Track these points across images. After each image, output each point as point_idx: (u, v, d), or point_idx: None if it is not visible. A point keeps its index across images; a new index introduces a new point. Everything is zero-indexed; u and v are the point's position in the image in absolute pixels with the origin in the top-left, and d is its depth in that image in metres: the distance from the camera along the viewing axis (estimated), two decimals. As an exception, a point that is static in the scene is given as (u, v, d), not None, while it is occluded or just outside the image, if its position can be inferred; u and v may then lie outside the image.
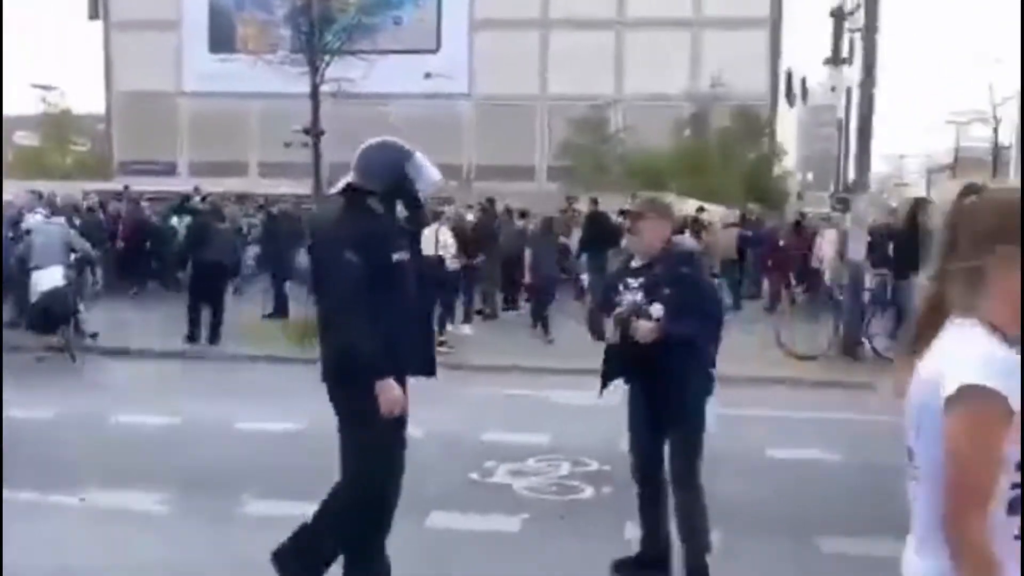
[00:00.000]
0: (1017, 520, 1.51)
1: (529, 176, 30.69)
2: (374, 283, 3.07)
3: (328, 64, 11.02)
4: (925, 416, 1.56)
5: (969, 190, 1.61)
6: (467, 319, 11.34)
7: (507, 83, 30.51)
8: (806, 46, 30.00)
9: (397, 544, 3.41)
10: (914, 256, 9.15)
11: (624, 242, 10.89)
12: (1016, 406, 1.46)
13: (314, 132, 11.41)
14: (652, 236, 3.73)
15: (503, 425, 6.46)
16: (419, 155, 3.28)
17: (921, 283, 1.72)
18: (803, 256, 13.33)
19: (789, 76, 35.58)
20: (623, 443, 5.30)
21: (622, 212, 15.11)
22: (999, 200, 1.59)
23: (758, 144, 29.42)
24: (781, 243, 13.80)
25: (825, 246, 12.24)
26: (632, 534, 4.27)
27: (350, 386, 3.12)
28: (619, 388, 3.98)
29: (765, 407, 7.49)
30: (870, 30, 9.83)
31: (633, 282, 3.70)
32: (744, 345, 9.52)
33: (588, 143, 27.27)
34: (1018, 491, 1.51)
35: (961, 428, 1.48)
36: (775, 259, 13.80)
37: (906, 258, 9.25)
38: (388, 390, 3.09)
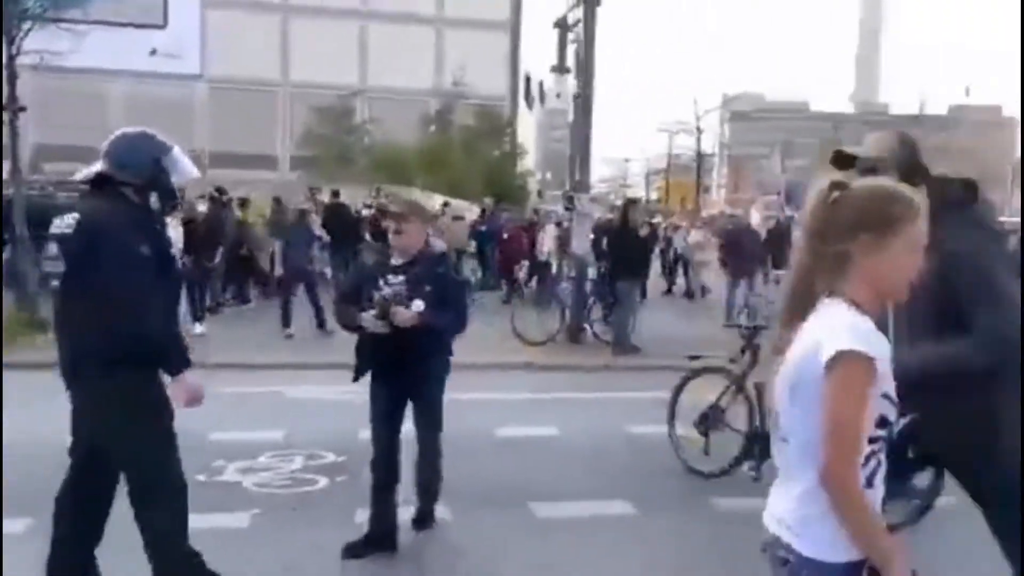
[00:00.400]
0: (868, 471, 1.74)
1: (270, 165, 29.53)
2: (157, 275, 3.11)
3: (27, 33, 9.74)
4: (802, 383, 1.73)
5: (835, 186, 1.80)
6: (200, 317, 10.71)
7: (244, 66, 29.01)
8: (543, 51, 31.90)
9: (121, 549, 3.26)
10: (624, 250, 10.23)
11: (368, 236, 10.76)
12: (880, 367, 1.70)
13: (11, 108, 10.03)
14: (414, 238, 4.07)
15: (236, 423, 6.25)
16: (177, 149, 3.28)
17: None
18: (530, 250, 14.24)
19: (528, 79, 37.57)
20: (360, 433, 5.41)
21: (370, 207, 15.12)
22: (861, 195, 1.79)
23: (500, 143, 30.76)
24: (505, 236, 14.62)
25: (547, 240, 13.21)
26: (363, 518, 4.39)
27: (135, 380, 3.05)
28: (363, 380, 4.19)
29: (499, 391, 7.97)
30: (588, 43, 10.74)
31: (394, 279, 3.98)
32: (484, 335, 10.01)
33: (333, 133, 26.81)
34: (874, 445, 1.73)
35: (839, 388, 1.67)
36: (504, 253, 14.57)
37: (617, 253, 10.30)
38: (189, 379, 3.14)
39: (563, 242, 12.73)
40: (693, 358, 5.95)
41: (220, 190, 12.93)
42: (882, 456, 1.77)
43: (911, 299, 2.38)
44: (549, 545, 4.31)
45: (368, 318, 3.89)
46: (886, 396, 1.74)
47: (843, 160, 2.58)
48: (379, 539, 4.05)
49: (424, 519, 4.32)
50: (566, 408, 7.44)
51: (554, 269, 13.30)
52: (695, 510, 4.85)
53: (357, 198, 16.29)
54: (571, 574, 4.04)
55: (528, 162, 35.24)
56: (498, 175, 28.12)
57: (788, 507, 1.80)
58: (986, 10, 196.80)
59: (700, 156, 41.67)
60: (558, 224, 13.92)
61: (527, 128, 36.87)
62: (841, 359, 1.66)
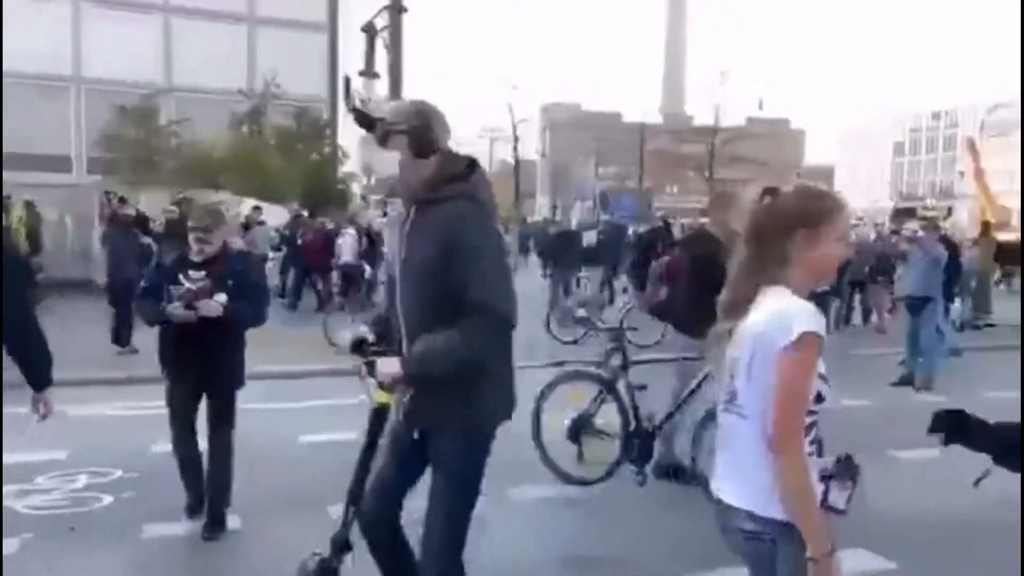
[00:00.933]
0: (810, 439, 1.94)
1: (64, 167, 27.16)
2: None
3: None
4: (757, 361, 1.91)
5: (768, 192, 2.03)
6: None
7: (29, 59, 26.49)
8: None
9: None
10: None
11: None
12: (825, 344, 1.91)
13: None
14: (217, 244, 4.32)
15: (14, 446, 5.80)
16: None
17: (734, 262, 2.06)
18: (329, 256, 13.94)
19: (347, 82, 36.93)
20: (153, 447, 5.23)
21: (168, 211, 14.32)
22: (794, 196, 2.02)
23: (319, 146, 30.07)
24: (299, 243, 14.37)
25: (345, 247, 13.14)
26: (151, 534, 4.27)
27: None
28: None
29: (308, 399, 7.89)
30: (395, 49, 10.87)
31: (195, 275, 4.20)
32: (296, 343, 9.87)
33: (136, 134, 25.08)
34: (813, 418, 1.94)
35: (798, 365, 1.86)
36: (309, 258, 14.26)
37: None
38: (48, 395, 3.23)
39: (374, 246, 12.71)
40: (558, 364, 5.72)
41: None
42: (818, 430, 1.98)
43: (409, 256, 2.56)
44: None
45: (175, 308, 4.10)
46: (820, 375, 1.95)
47: (364, 121, 2.67)
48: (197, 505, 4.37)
49: (214, 523, 4.27)
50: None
51: (368, 274, 13.25)
52: (495, 500, 5.07)
53: (161, 203, 15.37)
54: (368, 571, 4.13)
55: (352, 165, 34.69)
56: (316, 179, 27.45)
57: (751, 476, 1.94)
58: (778, 31, 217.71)
59: (517, 163, 43.02)
60: (363, 230, 13.82)
61: (353, 131, 36.29)
62: (804, 340, 1.86)
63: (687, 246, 6.08)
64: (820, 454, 2.00)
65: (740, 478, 1.99)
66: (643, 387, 5.26)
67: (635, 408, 5.23)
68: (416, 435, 2.65)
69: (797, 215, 1.99)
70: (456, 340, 2.45)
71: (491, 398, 2.59)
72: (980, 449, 1.99)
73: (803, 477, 1.88)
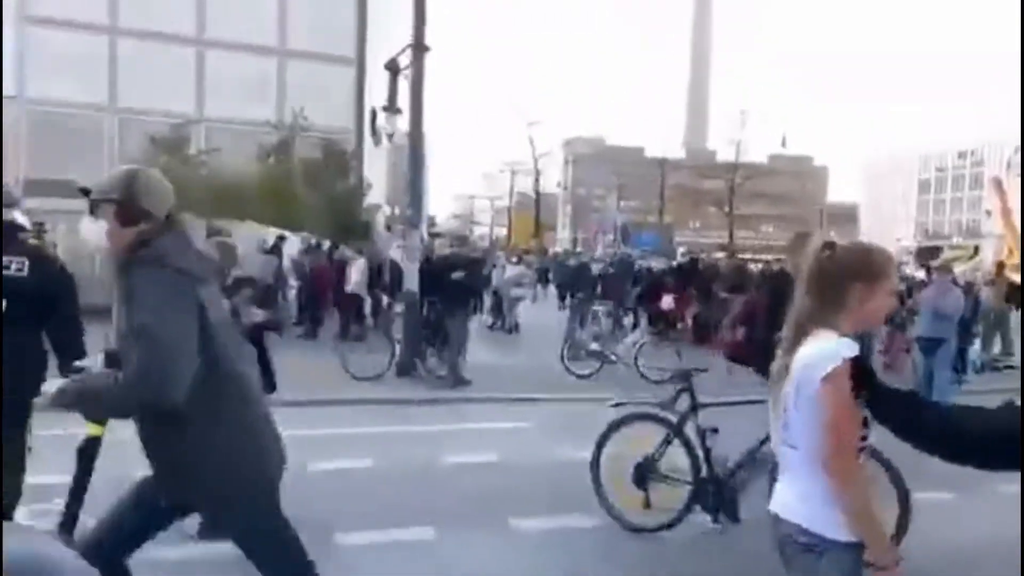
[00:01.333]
0: (861, 460, 2.12)
1: (96, 194, 27.82)
2: None
3: None
4: (803, 392, 2.09)
5: (826, 246, 2.22)
6: None
7: (68, 88, 27.33)
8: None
9: None
10: (451, 285, 10.51)
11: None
12: None
13: None
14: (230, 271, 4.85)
15: (37, 467, 5.96)
16: None
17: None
18: (337, 285, 14.09)
19: (374, 115, 37.60)
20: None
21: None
22: (850, 251, 2.21)
23: (344, 177, 30.56)
24: (308, 270, 14.53)
25: (353, 274, 13.28)
26: (157, 555, 4.35)
27: None
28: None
29: (325, 427, 7.97)
30: (416, 87, 11.11)
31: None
32: (312, 371, 10.00)
33: (167, 163, 25.67)
34: (864, 442, 2.12)
35: (838, 393, 2.03)
36: (318, 287, 14.45)
37: (445, 288, 10.57)
38: None
39: (394, 276, 12.89)
40: (617, 405, 5.35)
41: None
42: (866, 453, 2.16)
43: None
44: (345, 573, 4.45)
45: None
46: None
47: (83, 193, 2.66)
48: None
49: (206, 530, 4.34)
50: (389, 441, 7.58)
51: (385, 303, 13.41)
52: (497, 533, 5.09)
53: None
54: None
55: (377, 196, 35.11)
56: (342, 209, 27.83)
57: (807, 498, 2.12)
58: (804, 67, 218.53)
59: (538, 195, 43.41)
60: (378, 259, 13.97)
61: (380, 163, 36.84)
62: (839, 368, 2.03)
63: (767, 286, 5.95)
64: (888, 468, 2.12)
65: (797, 500, 2.17)
66: (715, 430, 5.03)
67: (707, 451, 4.99)
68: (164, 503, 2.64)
69: (857, 269, 2.17)
70: (109, 390, 2.48)
71: (238, 464, 2.61)
72: (882, 421, 2.09)
73: (862, 496, 2.05)
